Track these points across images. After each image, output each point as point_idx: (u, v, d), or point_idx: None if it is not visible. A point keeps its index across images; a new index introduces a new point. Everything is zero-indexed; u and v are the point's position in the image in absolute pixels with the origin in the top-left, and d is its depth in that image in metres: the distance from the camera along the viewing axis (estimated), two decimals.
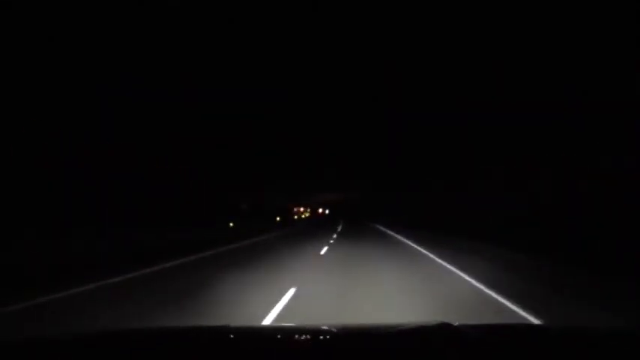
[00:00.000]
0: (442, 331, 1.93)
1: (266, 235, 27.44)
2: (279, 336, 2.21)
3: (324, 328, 2.27)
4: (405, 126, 29.21)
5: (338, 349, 1.96)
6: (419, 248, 16.24)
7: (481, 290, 7.62)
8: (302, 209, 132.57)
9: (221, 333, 2.15)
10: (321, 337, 2.22)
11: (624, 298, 6.74)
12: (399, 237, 23.83)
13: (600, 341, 2.01)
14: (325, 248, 16.71)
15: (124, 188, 23.81)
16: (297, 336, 2.24)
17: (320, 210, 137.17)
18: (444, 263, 11.46)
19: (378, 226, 42.44)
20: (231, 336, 2.12)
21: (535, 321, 5.43)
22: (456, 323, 2.04)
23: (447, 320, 2.05)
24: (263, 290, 7.51)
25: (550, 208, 14.12)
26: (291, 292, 7.29)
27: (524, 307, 5.97)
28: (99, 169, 21.26)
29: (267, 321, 5.49)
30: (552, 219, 13.52)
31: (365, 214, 74.60)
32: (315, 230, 34.91)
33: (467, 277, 8.97)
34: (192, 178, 35.93)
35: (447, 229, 22.27)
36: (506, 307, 6.22)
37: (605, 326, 4.32)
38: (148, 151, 26.00)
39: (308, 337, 2.21)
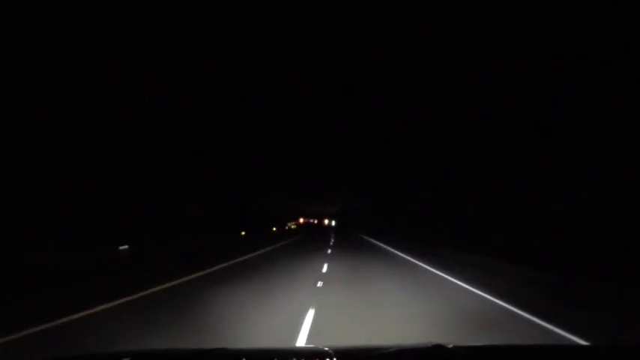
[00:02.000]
0: (435, 352, 1.89)
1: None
2: (274, 358, 2.17)
3: (319, 349, 2.22)
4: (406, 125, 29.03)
5: None
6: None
7: None
8: (302, 220, 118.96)
9: (218, 356, 2.09)
10: (316, 359, 2.19)
11: None
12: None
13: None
14: None
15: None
16: (291, 358, 2.21)
17: (326, 221, 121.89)
18: None
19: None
20: (229, 359, 2.09)
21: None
22: (450, 345, 1.99)
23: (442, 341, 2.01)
24: None
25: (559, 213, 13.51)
26: None
27: None
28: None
29: None
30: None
31: (375, 227, 54.45)
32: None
33: None
34: (193, 179, 35.73)
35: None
36: None
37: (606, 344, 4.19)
38: (148, 151, 25.99)
39: (303, 359, 2.17)
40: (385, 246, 30.54)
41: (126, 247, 17.70)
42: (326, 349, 2.16)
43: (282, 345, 5.27)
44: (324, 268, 15.14)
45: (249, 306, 7.94)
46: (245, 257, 19.64)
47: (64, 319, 6.71)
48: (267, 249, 26.00)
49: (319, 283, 11.28)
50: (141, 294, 9.19)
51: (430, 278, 13.19)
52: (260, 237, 39.80)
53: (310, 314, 7.17)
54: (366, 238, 45.60)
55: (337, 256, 20.77)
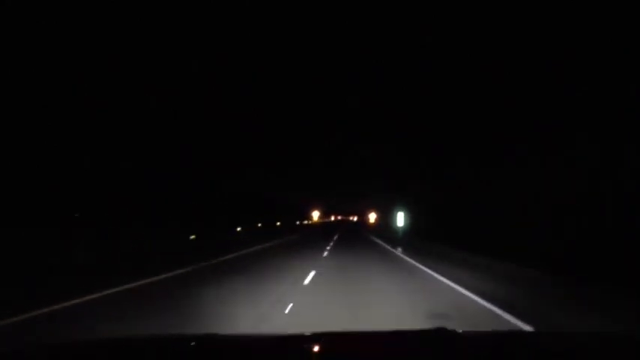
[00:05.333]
0: (439, 335, 1.95)
1: None
2: (269, 344, 2.15)
3: (320, 334, 2.20)
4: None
5: (334, 353, 1.94)
6: None
7: None
8: (316, 216, 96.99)
9: (207, 341, 2.06)
10: (316, 344, 2.14)
11: None
12: None
13: (596, 347, 2.00)
14: None
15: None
16: (288, 343, 2.14)
17: (372, 217, 78.46)
18: None
19: None
20: (218, 345, 2.03)
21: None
22: (455, 330, 2.07)
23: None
24: None
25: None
26: None
27: None
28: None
29: None
30: None
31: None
32: None
33: None
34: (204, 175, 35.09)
35: None
36: None
37: (599, 331, 4.22)
38: (150, 151, 25.82)
39: (302, 344, 2.13)
40: None
41: None
42: (329, 334, 2.20)
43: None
44: None
45: None
46: None
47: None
48: None
49: None
50: None
51: None
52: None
53: None
54: None
55: None
